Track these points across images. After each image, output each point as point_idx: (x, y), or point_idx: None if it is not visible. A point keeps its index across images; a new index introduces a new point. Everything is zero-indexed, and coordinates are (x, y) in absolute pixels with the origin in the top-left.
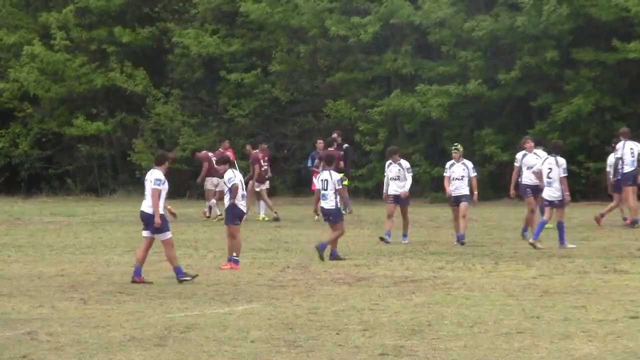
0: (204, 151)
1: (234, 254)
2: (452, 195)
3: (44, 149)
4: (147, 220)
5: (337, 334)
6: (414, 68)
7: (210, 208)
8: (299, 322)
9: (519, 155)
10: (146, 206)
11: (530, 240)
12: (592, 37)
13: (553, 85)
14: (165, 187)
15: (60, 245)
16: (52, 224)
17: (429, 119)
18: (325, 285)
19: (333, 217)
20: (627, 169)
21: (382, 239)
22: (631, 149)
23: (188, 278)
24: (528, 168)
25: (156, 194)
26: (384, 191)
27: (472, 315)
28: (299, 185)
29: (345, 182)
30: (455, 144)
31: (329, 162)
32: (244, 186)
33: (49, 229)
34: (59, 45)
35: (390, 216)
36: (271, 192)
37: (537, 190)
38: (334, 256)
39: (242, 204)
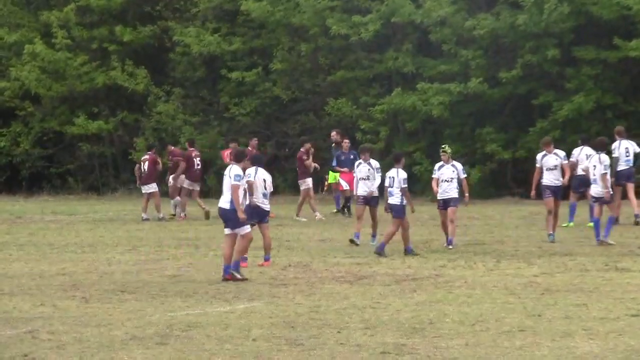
0: (177, 148)
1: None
2: (440, 198)
3: (45, 148)
4: (225, 215)
5: (339, 332)
6: (415, 66)
7: (175, 206)
8: (300, 320)
9: (538, 156)
10: (224, 202)
11: (601, 239)
12: (593, 35)
13: (554, 84)
14: (243, 183)
15: (61, 244)
16: (54, 222)
17: (430, 117)
18: (326, 283)
19: (395, 212)
20: (621, 167)
21: (351, 241)
22: (626, 148)
23: (239, 277)
24: (548, 169)
25: (237, 189)
26: (354, 191)
27: (474, 313)
28: None
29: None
30: (443, 145)
31: (398, 159)
32: (267, 184)
33: (51, 228)
34: (60, 44)
35: (359, 217)
36: (272, 191)
37: (556, 190)
38: (410, 251)
39: (261, 202)
